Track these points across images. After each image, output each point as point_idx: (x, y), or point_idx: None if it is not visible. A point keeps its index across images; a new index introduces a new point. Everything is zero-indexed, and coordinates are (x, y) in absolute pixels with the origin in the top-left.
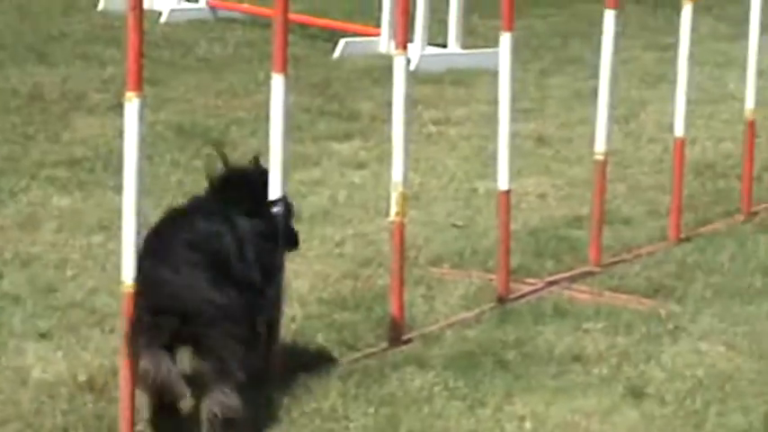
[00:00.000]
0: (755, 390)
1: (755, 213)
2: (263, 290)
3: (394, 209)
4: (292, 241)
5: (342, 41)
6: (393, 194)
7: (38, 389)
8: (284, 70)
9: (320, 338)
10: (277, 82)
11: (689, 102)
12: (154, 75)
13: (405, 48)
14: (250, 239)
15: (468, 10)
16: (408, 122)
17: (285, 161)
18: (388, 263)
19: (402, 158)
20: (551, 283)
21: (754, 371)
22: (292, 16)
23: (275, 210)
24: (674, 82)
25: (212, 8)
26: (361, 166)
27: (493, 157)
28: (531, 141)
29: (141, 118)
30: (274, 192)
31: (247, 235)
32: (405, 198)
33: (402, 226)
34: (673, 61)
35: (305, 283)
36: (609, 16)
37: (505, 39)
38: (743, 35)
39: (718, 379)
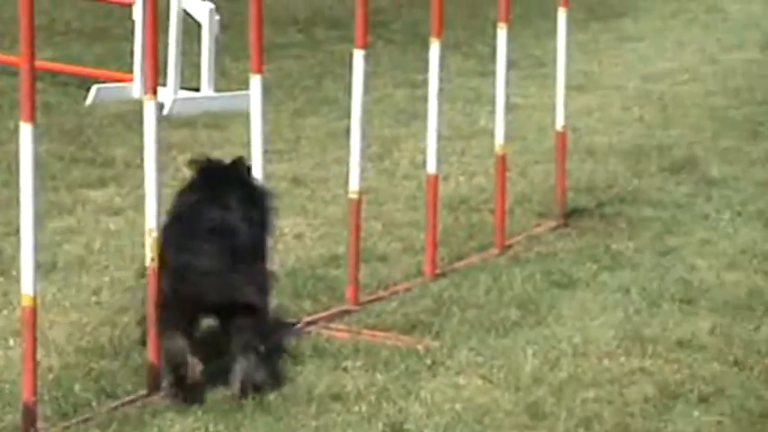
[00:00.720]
0: (512, 421)
1: (509, 247)
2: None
3: (149, 255)
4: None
5: (94, 87)
6: (148, 240)
7: None
8: (32, 119)
9: (78, 388)
10: (25, 131)
11: (441, 138)
12: None
13: (155, 93)
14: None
15: (220, 53)
16: (162, 167)
17: (37, 210)
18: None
19: (156, 204)
20: (310, 323)
21: (511, 402)
22: (42, 63)
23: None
24: (426, 119)
25: None
26: (116, 212)
27: None
28: (287, 182)
29: None
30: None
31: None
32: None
33: (157, 272)
34: (424, 98)
35: (62, 332)
36: (358, 56)
37: (255, 81)
38: (491, 71)
39: (476, 412)
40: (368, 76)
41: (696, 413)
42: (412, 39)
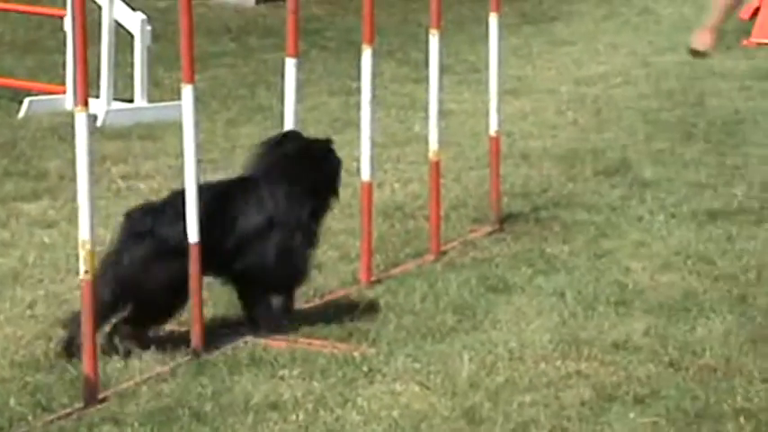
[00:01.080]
0: (449, 427)
1: (445, 252)
2: None
3: (83, 267)
4: None
5: (26, 100)
6: (82, 253)
7: None
8: None
9: (13, 402)
10: None
11: (376, 145)
12: None
13: (86, 105)
14: None
15: (152, 63)
16: (95, 179)
17: None
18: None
19: (89, 216)
20: (246, 333)
21: (448, 408)
22: None
23: None
24: (360, 126)
25: None
26: (50, 225)
27: None
28: None
29: None
30: None
31: None
32: (93, 256)
33: (91, 284)
34: (359, 105)
35: None
36: (290, 64)
37: (187, 91)
38: (425, 78)
39: (413, 419)
40: (302, 84)
41: (632, 415)
42: (346, 46)
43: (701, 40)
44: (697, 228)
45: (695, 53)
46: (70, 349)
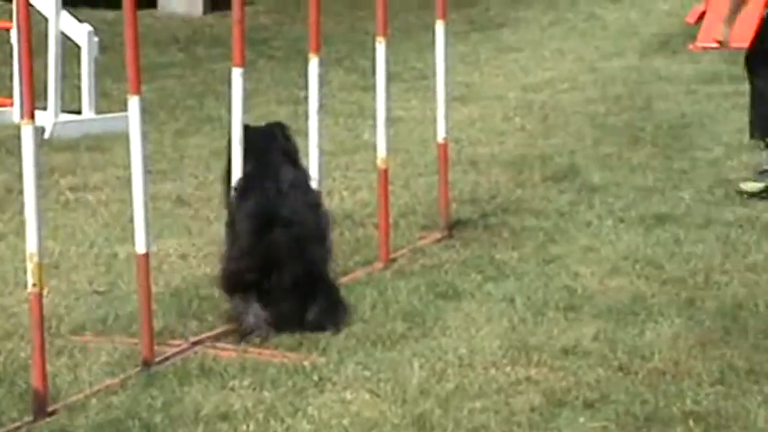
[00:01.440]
0: None
1: (394, 260)
2: None
3: (30, 280)
4: None
5: None
6: (30, 265)
7: None
8: None
9: None
10: None
11: (324, 153)
12: None
13: (32, 117)
14: None
15: (100, 75)
16: (43, 192)
17: None
18: (30, 335)
19: (36, 228)
20: (196, 343)
21: (398, 415)
22: None
23: None
24: (308, 135)
25: None
26: None
27: (132, 221)
28: (170, 202)
29: None
30: None
31: None
32: (41, 269)
33: (39, 297)
34: (307, 114)
35: None
36: (236, 74)
37: (134, 102)
38: (373, 85)
39: (363, 427)
40: (250, 94)
41: (582, 419)
42: (294, 55)
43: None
44: (645, 232)
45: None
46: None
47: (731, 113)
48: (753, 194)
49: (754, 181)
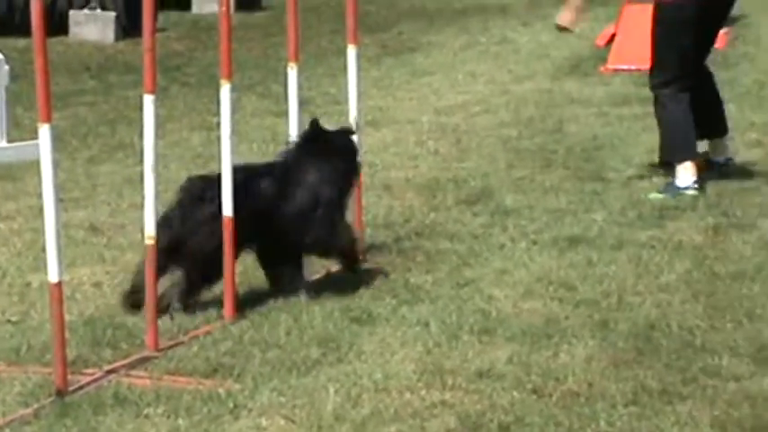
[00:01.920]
0: None
1: (310, 285)
2: None
3: None
4: None
5: None
6: None
7: None
8: None
9: None
10: None
11: None
12: None
13: None
14: None
15: (11, 103)
16: None
17: None
18: None
19: None
20: (110, 372)
21: None
22: None
23: None
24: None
25: None
26: None
27: (45, 250)
28: (84, 230)
29: None
30: None
31: None
32: None
33: None
34: (220, 140)
35: None
36: (148, 101)
37: (44, 130)
38: (286, 111)
39: None
40: (163, 120)
41: None
42: (206, 81)
43: (565, 17)
44: (558, 254)
45: (561, 29)
46: (134, 300)
47: (642, 135)
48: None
49: (659, 192)
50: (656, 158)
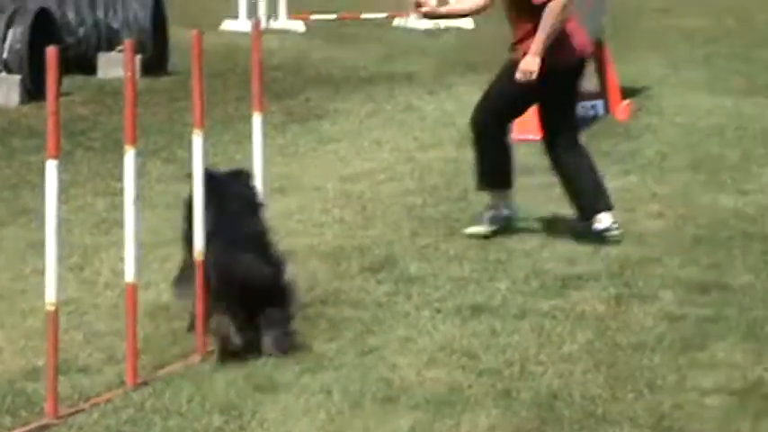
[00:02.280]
0: None
1: (211, 352)
2: None
3: None
4: None
5: None
6: None
7: None
8: None
9: None
10: None
11: (144, 245)
12: None
13: None
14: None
15: None
16: None
17: None
18: None
19: None
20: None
21: None
22: None
23: None
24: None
25: None
26: None
27: None
28: None
29: None
30: None
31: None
32: None
33: None
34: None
35: None
36: (51, 166)
37: None
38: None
39: None
40: (67, 185)
41: None
42: (111, 146)
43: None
44: (462, 323)
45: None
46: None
47: (546, 205)
48: (473, 236)
49: (477, 224)
50: (559, 228)
